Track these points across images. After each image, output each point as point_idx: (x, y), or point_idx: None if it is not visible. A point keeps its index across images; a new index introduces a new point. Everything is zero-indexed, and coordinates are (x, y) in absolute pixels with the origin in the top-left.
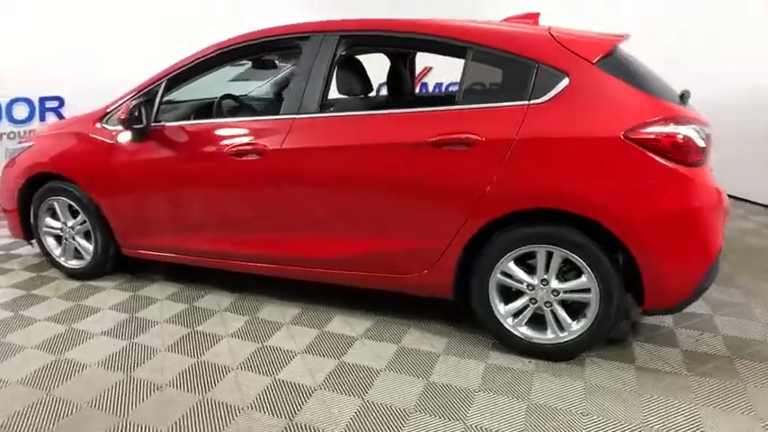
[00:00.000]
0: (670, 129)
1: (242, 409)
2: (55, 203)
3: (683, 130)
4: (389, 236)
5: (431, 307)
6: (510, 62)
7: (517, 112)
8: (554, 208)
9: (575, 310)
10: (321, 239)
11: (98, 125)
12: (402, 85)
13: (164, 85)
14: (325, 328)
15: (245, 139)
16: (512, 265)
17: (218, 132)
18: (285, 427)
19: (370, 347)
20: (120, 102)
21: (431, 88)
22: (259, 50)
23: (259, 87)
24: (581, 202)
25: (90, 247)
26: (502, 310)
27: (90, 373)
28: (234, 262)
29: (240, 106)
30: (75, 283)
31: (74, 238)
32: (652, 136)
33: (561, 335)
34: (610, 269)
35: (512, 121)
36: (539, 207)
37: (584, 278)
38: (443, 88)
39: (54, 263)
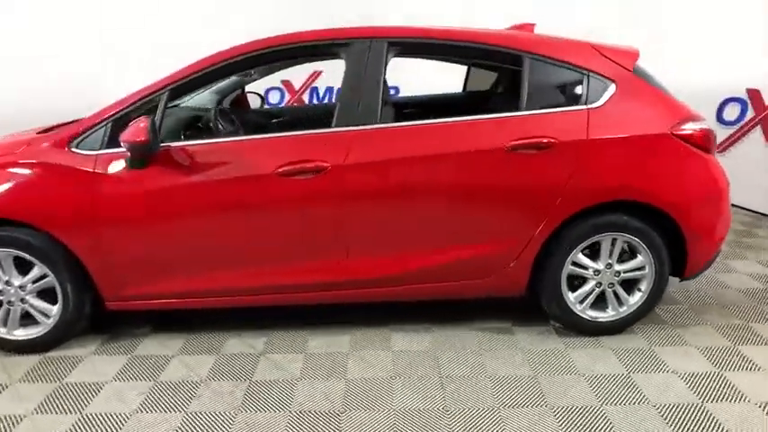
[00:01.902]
0: (699, 125)
1: None
2: None
3: (705, 125)
4: (469, 242)
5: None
6: (564, 70)
7: (581, 116)
8: (624, 200)
9: (626, 288)
10: (390, 256)
11: (67, 150)
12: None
13: (166, 96)
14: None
15: (296, 157)
16: (580, 255)
17: (258, 151)
18: None
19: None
20: (103, 120)
21: (322, 92)
22: (290, 56)
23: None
24: (646, 192)
25: (52, 308)
26: (571, 297)
27: None
28: (275, 296)
29: (236, 120)
30: (29, 359)
31: (22, 301)
32: (689, 131)
33: (621, 310)
34: (662, 248)
35: (580, 124)
36: (610, 200)
37: (640, 258)
38: (334, 92)
39: None
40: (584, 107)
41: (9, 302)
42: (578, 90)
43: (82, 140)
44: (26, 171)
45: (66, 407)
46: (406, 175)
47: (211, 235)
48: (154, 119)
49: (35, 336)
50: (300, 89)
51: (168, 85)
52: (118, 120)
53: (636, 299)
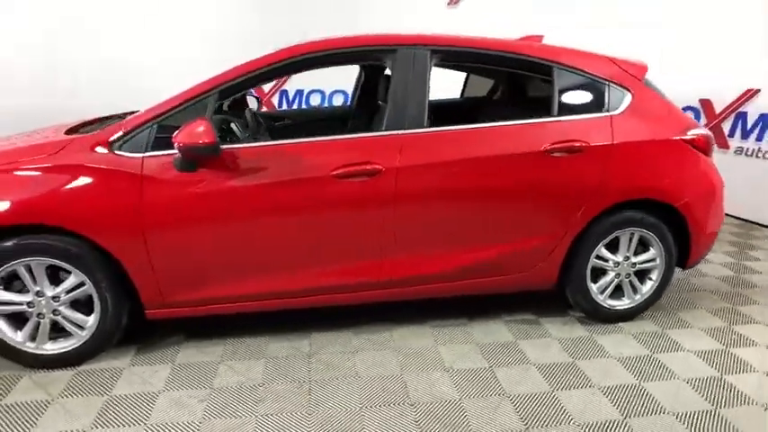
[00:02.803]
0: (701, 131)
1: None
2: (20, 268)
3: (706, 131)
4: (509, 240)
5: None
6: (588, 80)
7: (606, 122)
8: (644, 198)
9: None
10: (439, 254)
11: (110, 153)
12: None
13: (215, 98)
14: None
15: (351, 159)
16: (603, 249)
17: (313, 153)
18: None
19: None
20: (148, 121)
21: (292, 95)
22: (336, 60)
23: None
24: (663, 191)
25: (87, 318)
26: (594, 288)
27: None
28: (325, 297)
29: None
30: (63, 374)
31: (54, 312)
32: (695, 136)
33: (635, 298)
34: (671, 241)
35: (605, 129)
36: (633, 199)
37: (652, 250)
38: (304, 96)
39: (10, 353)
40: (608, 114)
41: (39, 315)
42: (601, 98)
43: (126, 142)
44: (67, 174)
45: (126, 419)
46: (453, 177)
47: (264, 237)
48: (210, 120)
49: (68, 349)
50: (270, 92)
51: (217, 86)
52: (163, 121)
53: (647, 288)
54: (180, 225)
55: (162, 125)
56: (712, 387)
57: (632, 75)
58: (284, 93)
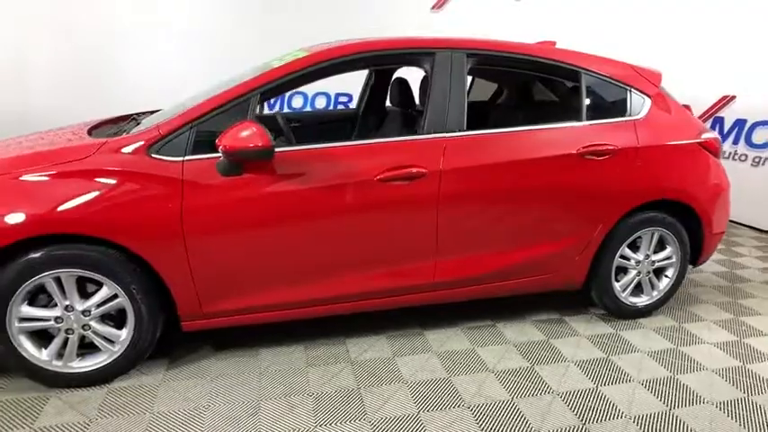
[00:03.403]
0: (712, 134)
1: None
2: (48, 281)
3: (715, 135)
4: (544, 241)
5: None
6: (612, 86)
7: (631, 126)
8: (666, 198)
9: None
10: (481, 256)
11: (147, 156)
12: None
13: (257, 99)
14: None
15: (396, 163)
16: (627, 248)
17: (359, 156)
18: None
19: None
20: (187, 124)
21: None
22: (377, 62)
23: None
24: (681, 191)
25: (119, 333)
26: (618, 287)
27: None
28: (367, 302)
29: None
30: (93, 393)
31: (84, 327)
32: (707, 140)
33: (653, 295)
34: (686, 239)
35: (630, 133)
36: (654, 200)
37: (669, 248)
38: (285, 99)
39: (32, 373)
40: (631, 118)
41: (68, 330)
42: (624, 103)
43: (164, 145)
44: (103, 179)
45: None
46: (494, 179)
47: (310, 242)
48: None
49: (99, 366)
50: None
51: (258, 87)
52: (202, 124)
53: (664, 284)
54: (223, 231)
55: (202, 128)
56: (739, 376)
57: (650, 81)
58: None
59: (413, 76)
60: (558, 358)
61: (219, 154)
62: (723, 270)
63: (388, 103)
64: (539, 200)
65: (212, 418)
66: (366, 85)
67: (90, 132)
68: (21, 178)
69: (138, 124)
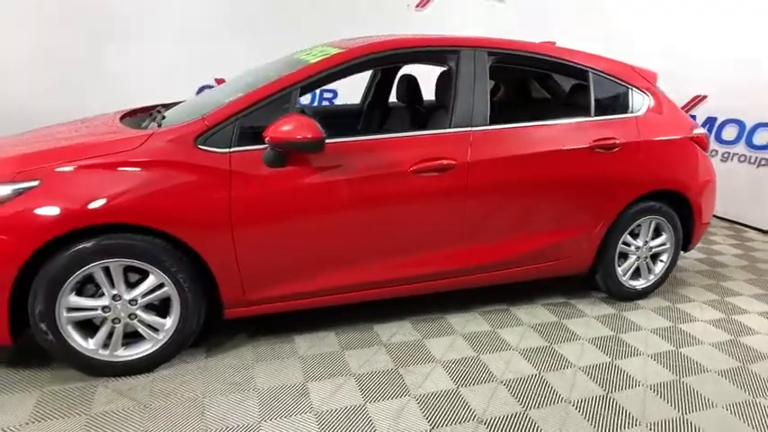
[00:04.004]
0: (702, 130)
1: None
2: (97, 271)
3: (705, 130)
4: (558, 228)
5: None
6: (616, 84)
7: (633, 122)
8: (664, 189)
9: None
10: (504, 243)
11: (195, 148)
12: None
13: (297, 93)
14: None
15: (428, 155)
16: (628, 235)
17: (395, 148)
18: None
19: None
20: (232, 116)
21: None
22: (406, 59)
23: None
24: (678, 182)
25: (165, 321)
26: (620, 271)
27: None
28: (399, 288)
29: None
30: (138, 381)
31: (131, 316)
32: (698, 135)
33: (650, 278)
34: (680, 227)
35: (633, 129)
36: (654, 190)
37: (665, 235)
38: None
39: (78, 363)
40: (633, 115)
41: (115, 320)
42: (627, 101)
43: (210, 137)
44: (153, 170)
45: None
46: (514, 171)
47: (350, 231)
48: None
49: (144, 354)
50: None
51: (299, 81)
52: (246, 117)
53: (659, 268)
54: (268, 220)
55: (246, 120)
56: (734, 348)
57: (647, 80)
58: None
59: (416, 71)
60: (572, 337)
61: (263, 145)
62: (703, 257)
63: (391, 99)
64: (554, 190)
65: (264, 400)
66: (371, 81)
67: (125, 122)
68: (72, 169)
69: (164, 116)
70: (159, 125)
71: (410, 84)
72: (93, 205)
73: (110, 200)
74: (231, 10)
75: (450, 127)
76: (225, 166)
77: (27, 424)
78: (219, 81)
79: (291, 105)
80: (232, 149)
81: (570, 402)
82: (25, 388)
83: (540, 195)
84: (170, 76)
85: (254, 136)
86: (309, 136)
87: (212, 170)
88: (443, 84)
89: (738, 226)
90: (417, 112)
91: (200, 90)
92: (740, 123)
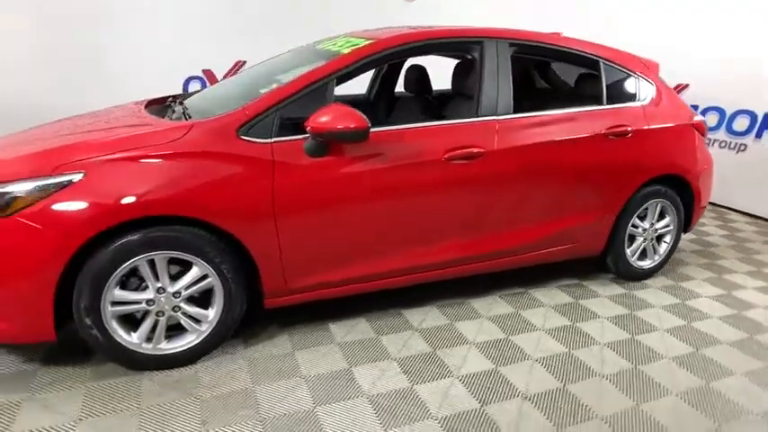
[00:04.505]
0: (700, 117)
1: None
2: (142, 264)
3: (703, 118)
4: (575, 213)
5: None
6: (624, 74)
7: (640, 110)
8: (669, 173)
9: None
10: (526, 227)
11: (238, 138)
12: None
13: (333, 83)
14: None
15: (459, 143)
16: (636, 218)
17: (429, 137)
18: None
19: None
20: (272, 107)
21: None
22: (435, 48)
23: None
24: (681, 167)
25: (208, 312)
26: (629, 252)
27: None
28: (429, 273)
29: None
30: (184, 373)
31: (174, 309)
32: (697, 122)
33: (655, 259)
34: (682, 209)
35: (640, 116)
36: (661, 174)
37: (668, 218)
38: None
39: (121, 356)
40: (640, 103)
41: (159, 313)
42: (634, 90)
43: (251, 127)
44: (196, 161)
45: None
46: (537, 158)
47: (385, 218)
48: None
49: (187, 347)
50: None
51: (335, 71)
52: (285, 107)
53: (663, 249)
54: (309, 209)
55: (285, 111)
56: (739, 321)
57: (650, 70)
58: None
59: (422, 61)
60: (591, 316)
61: (303, 135)
62: (694, 237)
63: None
64: (574, 176)
65: (313, 387)
66: (378, 71)
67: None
68: (116, 161)
69: (186, 107)
70: (188, 116)
71: (420, 74)
72: (140, 198)
73: (157, 192)
74: (221, 1)
75: (477, 116)
76: (268, 157)
77: (80, 420)
78: (207, 72)
79: (329, 95)
80: (273, 139)
81: (603, 376)
82: (70, 385)
83: (561, 181)
84: (158, 68)
85: (294, 126)
86: (355, 126)
87: (256, 160)
88: (465, 73)
89: (720, 208)
90: (428, 102)
91: (187, 82)
92: (721, 111)
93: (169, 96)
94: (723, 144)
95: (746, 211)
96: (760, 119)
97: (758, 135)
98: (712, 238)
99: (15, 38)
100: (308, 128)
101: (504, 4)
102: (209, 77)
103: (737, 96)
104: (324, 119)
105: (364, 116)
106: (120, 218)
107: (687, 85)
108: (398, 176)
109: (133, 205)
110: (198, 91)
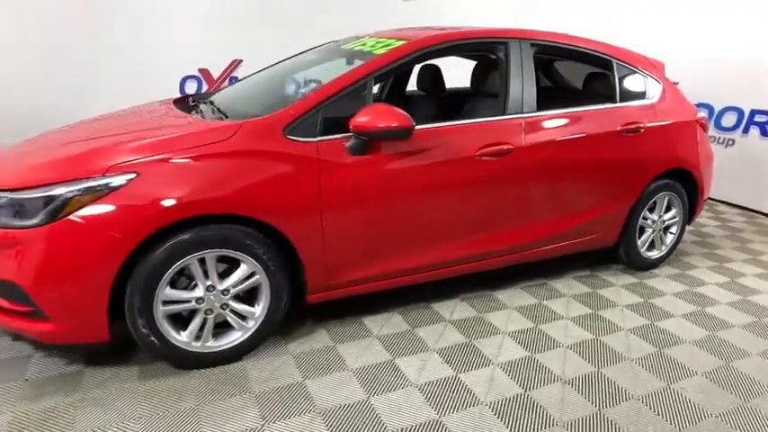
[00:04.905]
0: (703, 114)
1: None
2: (193, 262)
3: (704, 114)
4: (594, 206)
5: None
6: (635, 73)
7: (650, 107)
8: (676, 167)
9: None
10: (550, 220)
11: (284, 138)
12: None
13: (372, 83)
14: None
15: (490, 140)
16: (646, 210)
17: (462, 134)
18: None
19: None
20: (315, 107)
21: None
22: (463, 50)
23: None
24: (688, 161)
25: (255, 309)
26: (640, 243)
27: None
28: (462, 266)
29: None
30: (232, 369)
31: (224, 306)
32: (701, 118)
33: (662, 249)
34: (687, 202)
35: (652, 113)
36: (670, 168)
37: (674, 210)
38: None
39: (170, 356)
40: (650, 101)
41: (208, 311)
42: (644, 88)
43: (296, 127)
44: (246, 161)
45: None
46: (559, 154)
47: (423, 214)
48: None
49: (234, 344)
50: (220, 78)
51: (374, 71)
52: (327, 107)
53: (669, 240)
54: (352, 206)
55: (327, 110)
56: (747, 306)
57: (657, 69)
58: (233, 80)
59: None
60: (610, 304)
61: (344, 134)
62: (691, 229)
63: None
64: (594, 170)
65: (362, 378)
66: None
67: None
68: (169, 161)
69: (217, 106)
70: (225, 115)
71: (434, 73)
72: (194, 197)
73: (210, 191)
74: (217, 1)
75: (504, 114)
76: (314, 155)
77: (140, 418)
78: (203, 71)
79: (368, 95)
80: (318, 139)
81: (633, 360)
82: (120, 385)
83: (582, 175)
84: (154, 68)
85: (335, 125)
86: (400, 124)
87: (303, 159)
88: (488, 73)
89: (711, 201)
90: (442, 101)
91: (184, 81)
92: (710, 107)
93: (189, 96)
94: (712, 139)
95: (735, 203)
96: (747, 115)
97: (745, 130)
98: (707, 229)
99: (13, 39)
100: (352, 127)
101: (501, 3)
102: (205, 77)
103: (726, 93)
104: (368, 118)
105: (408, 115)
106: (174, 217)
107: (677, 83)
108: (436, 173)
109: (187, 204)
110: (218, 90)
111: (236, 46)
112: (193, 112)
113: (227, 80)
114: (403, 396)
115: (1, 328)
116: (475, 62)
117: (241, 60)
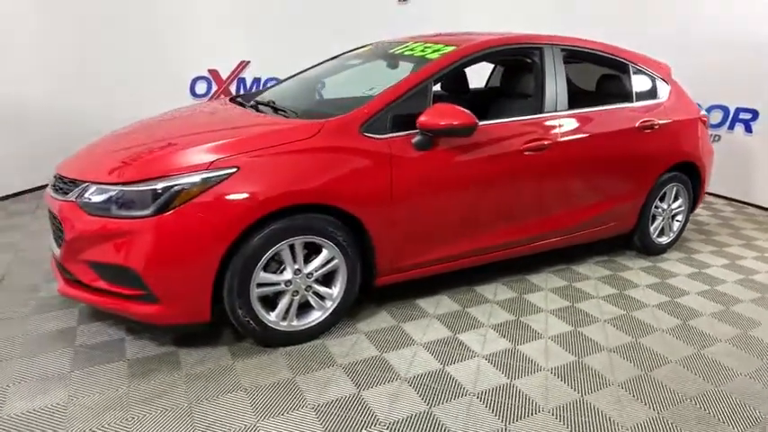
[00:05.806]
0: (704, 112)
1: None
2: (285, 248)
3: (705, 112)
4: (614, 197)
5: None
6: (647, 75)
7: (661, 106)
8: (684, 161)
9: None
10: (578, 209)
11: (361, 135)
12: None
13: (432, 84)
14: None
15: (533, 136)
16: (658, 200)
17: (510, 131)
18: None
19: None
20: (386, 105)
21: (249, 83)
22: (507, 54)
23: None
24: (694, 155)
25: (333, 291)
26: (652, 229)
27: None
28: (506, 251)
29: None
30: (313, 347)
31: (308, 288)
32: (703, 116)
33: (670, 236)
34: (692, 192)
35: (662, 111)
36: (679, 161)
37: (680, 200)
38: (261, 83)
39: (260, 334)
40: (661, 100)
41: (294, 292)
42: (655, 88)
43: (370, 125)
44: (331, 156)
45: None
46: (588, 148)
47: (477, 203)
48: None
49: (315, 322)
50: (228, 78)
51: (433, 74)
52: (397, 105)
53: (676, 227)
54: (418, 196)
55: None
56: (751, 284)
57: (665, 70)
58: (242, 80)
59: None
60: (632, 285)
61: (410, 131)
62: None
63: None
64: (617, 163)
65: (433, 351)
66: None
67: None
68: (264, 156)
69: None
70: (287, 114)
71: (458, 73)
72: (290, 188)
73: (303, 183)
74: (226, 2)
75: (541, 112)
76: (386, 150)
77: (245, 390)
78: (213, 72)
79: (429, 95)
80: (388, 135)
81: (664, 331)
82: (216, 362)
83: (608, 168)
84: (166, 69)
85: (401, 123)
86: (465, 122)
87: (377, 154)
88: (521, 75)
89: None
90: (465, 100)
91: (194, 82)
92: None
93: (237, 96)
94: None
95: (722, 195)
96: (732, 112)
97: (730, 127)
98: (702, 218)
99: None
100: (420, 124)
101: (497, 6)
102: (214, 77)
103: (712, 92)
104: (435, 117)
105: (472, 114)
106: (271, 207)
107: None
108: (489, 166)
109: (284, 195)
110: (265, 90)
111: (243, 47)
112: (270, 111)
113: (235, 81)
114: (474, 365)
115: (101, 310)
116: (492, 65)
117: (249, 61)
